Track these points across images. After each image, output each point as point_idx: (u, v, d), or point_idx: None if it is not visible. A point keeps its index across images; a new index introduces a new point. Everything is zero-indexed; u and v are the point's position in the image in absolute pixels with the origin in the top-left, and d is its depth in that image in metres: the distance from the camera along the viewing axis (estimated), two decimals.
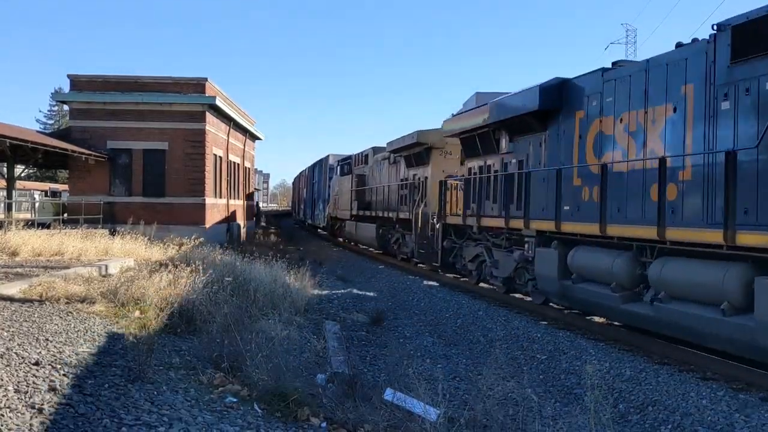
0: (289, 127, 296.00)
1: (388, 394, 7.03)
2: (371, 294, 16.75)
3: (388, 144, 24.47)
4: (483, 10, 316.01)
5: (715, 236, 8.01)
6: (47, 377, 5.75)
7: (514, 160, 14.04)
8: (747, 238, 7.62)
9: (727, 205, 7.83)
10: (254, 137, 40.24)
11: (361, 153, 30.73)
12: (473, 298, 14.75)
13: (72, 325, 8.27)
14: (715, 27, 8.52)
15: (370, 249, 27.84)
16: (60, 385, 5.55)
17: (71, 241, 17.57)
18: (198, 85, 27.03)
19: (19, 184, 32.35)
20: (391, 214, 23.57)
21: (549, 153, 12.47)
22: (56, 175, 58.85)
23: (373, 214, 26.23)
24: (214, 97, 27.08)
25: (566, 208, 11.47)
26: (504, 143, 14.67)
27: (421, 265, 20.87)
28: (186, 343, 8.47)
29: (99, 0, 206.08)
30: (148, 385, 6.04)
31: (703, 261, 8.43)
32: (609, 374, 8.41)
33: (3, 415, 4.68)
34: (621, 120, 10.33)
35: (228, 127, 31.54)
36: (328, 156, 40.57)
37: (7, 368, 5.86)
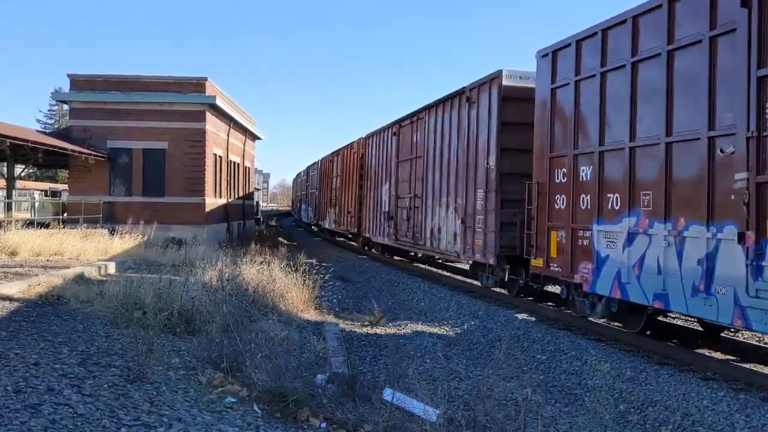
0: (290, 127, 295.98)
1: (388, 395, 7.01)
2: (371, 293, 16.73)
3: None
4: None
5: None
6: (46, 377, 5.73)
7: None
8: None
9: None
10: (254, 137, 40.21)
11: None
12: (473, 297, 14.76)
13: (71, 325, 8.26)
14: None
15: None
16: (59, 386, 5.54)
17: (71, 241, 17.58)
18: (198, 85, 27.02)
19: (18, 183, 32.34)
20: None
21: None
22: (56, 175, 58.82)
23: None
24: (214, 97, 27.07)
25: None
26: None
27: (419, 265, 21.03)
28: (185, 343, 8.45)
29: (99, 0, 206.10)
30: (147, 385, 6.02)
31: None
32: (609, 374, 8.39)
33: (2, 416, 4.66)
34: None
35: (228, 127, 31.52)
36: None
37: (6, 368, 5.85)
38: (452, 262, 19.17)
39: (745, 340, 10.22)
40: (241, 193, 36.22)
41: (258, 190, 68.83)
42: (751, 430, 6.48)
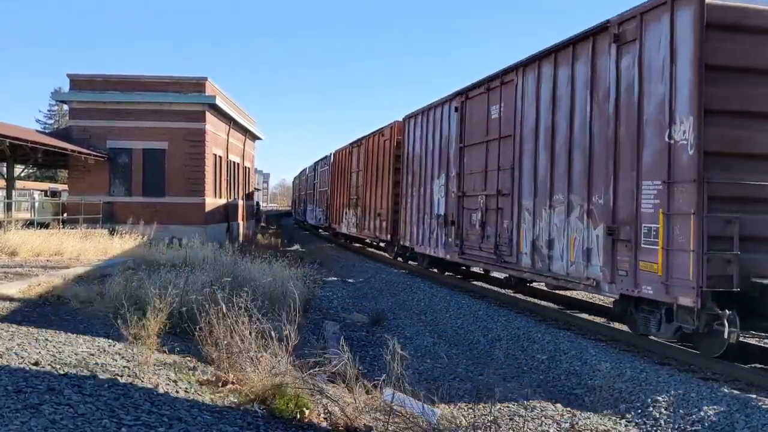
0: (290, 127, 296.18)
1: (388, 395, 7.01)
2: (371, 294, 16.74)
3: None
4: None
5: None
6: (46, 377, 5.73)
7: None
8: None
9: None
10: (254, 137, 40.23)
11: None
12: (473, 297, 14.75)
13: (71, 325, 8.26)
14: None
15: (369, 249, 27.93)
16: (59, 386, 5.54)
17: (71, 241, 17.60)
18: (198, 85, 27.03)
19: (18, 183, 32.34)
20: None
21: None
22: (56, 175, 58.83)
23: None
24: (214, 97, 27.08)
25: None
26: None
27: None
28: (186, 342, 8.45)
29: (99, 0, 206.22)
30: (147, 385, 6.02)
31: None
32: (609, 374, 8.40)
33: (3, 416, 4.66)
34: None
35: (228, 127, 31.53)
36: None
37: (7, 368, 5.85)
38: (571, 290, 12.29)
39: (744, 341, 10.12)
40: (241, 193, 36.22)
41: (258, 190, 68.88)
42: (750, 430, 6.48)
